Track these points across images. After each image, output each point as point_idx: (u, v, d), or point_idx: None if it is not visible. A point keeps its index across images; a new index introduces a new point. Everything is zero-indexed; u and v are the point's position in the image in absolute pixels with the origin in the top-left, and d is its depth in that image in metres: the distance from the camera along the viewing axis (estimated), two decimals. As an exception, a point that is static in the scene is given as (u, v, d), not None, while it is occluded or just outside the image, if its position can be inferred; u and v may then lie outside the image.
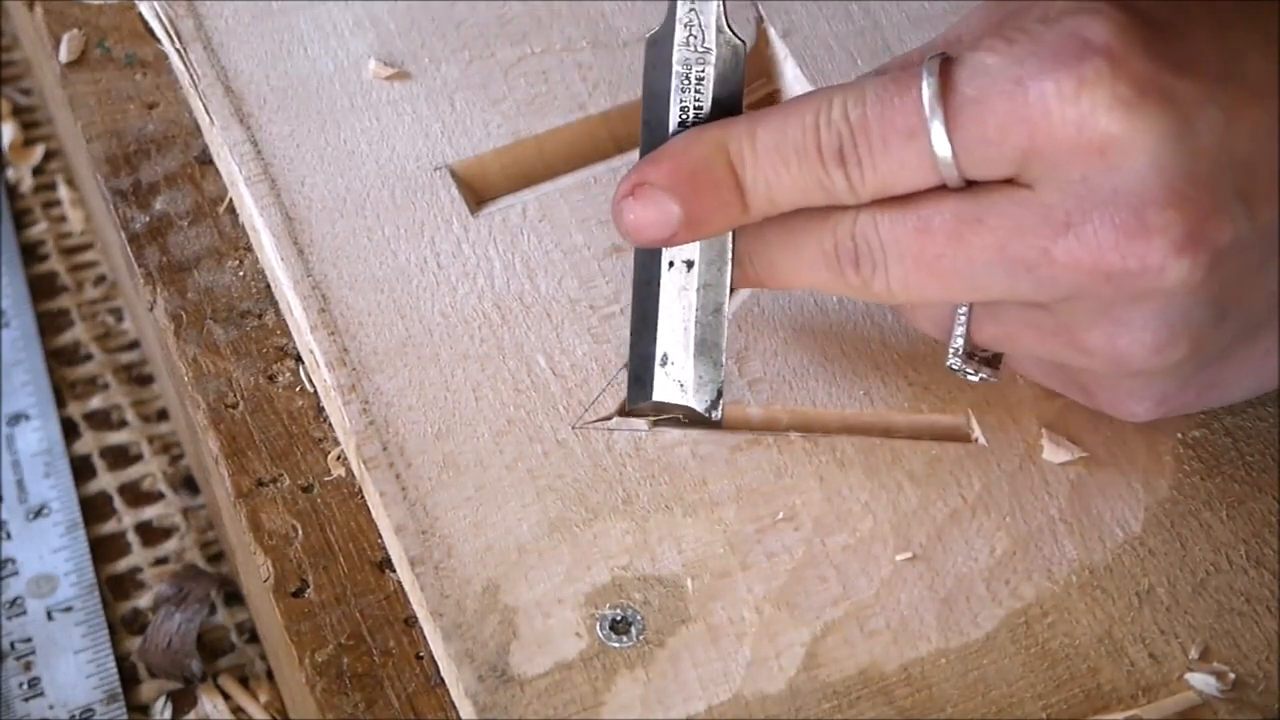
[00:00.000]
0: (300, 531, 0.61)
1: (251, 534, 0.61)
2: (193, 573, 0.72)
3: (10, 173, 0.85)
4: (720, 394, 0.61)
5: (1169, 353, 0.54)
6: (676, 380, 0.61)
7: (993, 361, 0.59)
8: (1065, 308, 0.54)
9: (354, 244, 0.66)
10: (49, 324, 0.80)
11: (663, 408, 0.62)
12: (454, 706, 0.58)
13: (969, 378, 0.59)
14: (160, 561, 0.73)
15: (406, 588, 0.60)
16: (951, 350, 0.58)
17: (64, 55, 0.73)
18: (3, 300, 0.80)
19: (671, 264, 0.60)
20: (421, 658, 0.59)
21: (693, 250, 0.60)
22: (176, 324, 0.66)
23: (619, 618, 0.58)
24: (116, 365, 0.79)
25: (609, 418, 0.62)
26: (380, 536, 0.61)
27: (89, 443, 0.76)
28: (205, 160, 0.70)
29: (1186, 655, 0.58)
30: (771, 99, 0.72)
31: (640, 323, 0.62)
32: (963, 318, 0.58)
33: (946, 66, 0.53)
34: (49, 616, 0.71)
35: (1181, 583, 0.59)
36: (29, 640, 0.70)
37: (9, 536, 0.73)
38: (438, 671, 0.58)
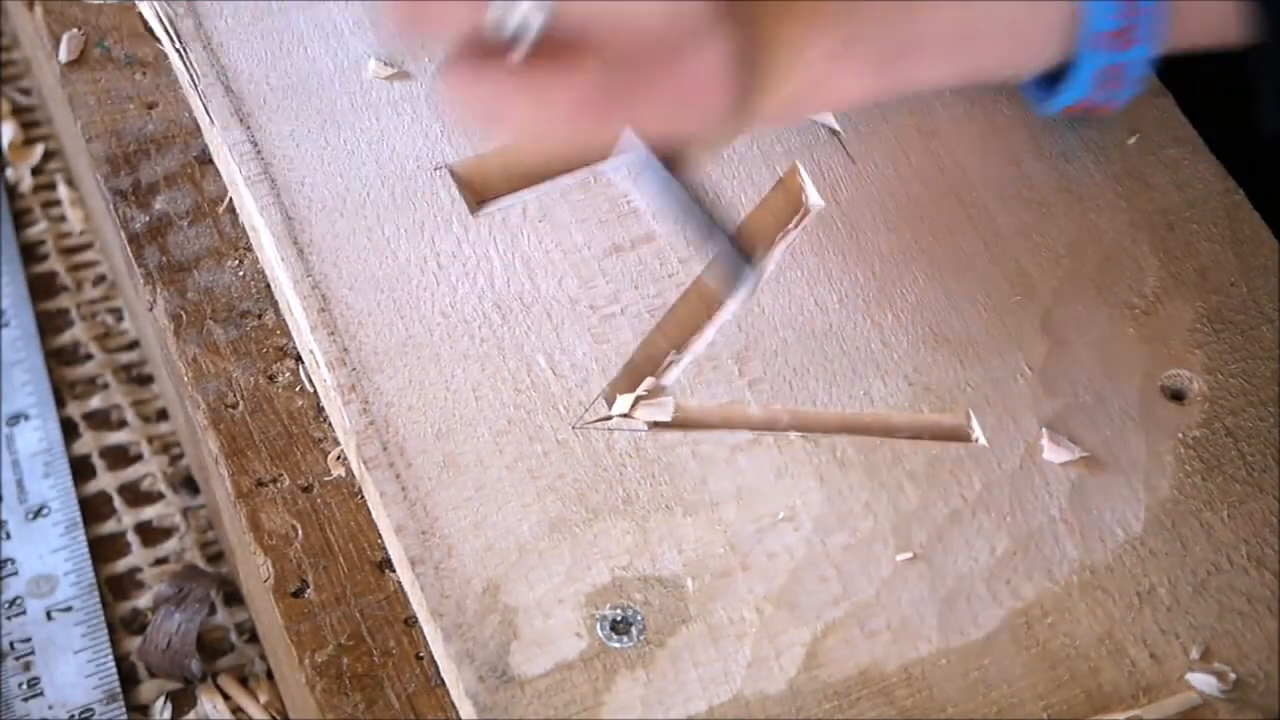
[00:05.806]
0: (300, 531, 0.61)
1: (251, 534, 0.61)
2: (192, 573, 0.72)
3: (10, 172, 0.84)
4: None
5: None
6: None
7: None
8: None
9: (354, 244, 0.65)
10: (49, 324, 0.80)
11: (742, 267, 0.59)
12: (454, 706, 0.58)
13: None
14: (160, 561, 0.73)
15: (406, 588, 0.60)
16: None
17: (64, 55, 0.73)
18: (3, 300, 0.79)
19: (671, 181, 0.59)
20: (421, 658, 0.59)
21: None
22: (176, 324, 0.66)
23: (619, 618, 0.58)
24: (116, 365, 0.79)
25: (609, 418, 0.62)
26: (380, 536, 0.61)
27: (89, 443, 0.76)
28: (205, 160, 0.70)
29: (1187, 655, 0.58)
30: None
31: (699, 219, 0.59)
32: None
33: None
34: (48, 616, 0.71)
35: (1182, 583, 0.59)
36: (29, 640, 0.70)
37: (9, 536, 0.73)
38: (438, 671, 0.58)
